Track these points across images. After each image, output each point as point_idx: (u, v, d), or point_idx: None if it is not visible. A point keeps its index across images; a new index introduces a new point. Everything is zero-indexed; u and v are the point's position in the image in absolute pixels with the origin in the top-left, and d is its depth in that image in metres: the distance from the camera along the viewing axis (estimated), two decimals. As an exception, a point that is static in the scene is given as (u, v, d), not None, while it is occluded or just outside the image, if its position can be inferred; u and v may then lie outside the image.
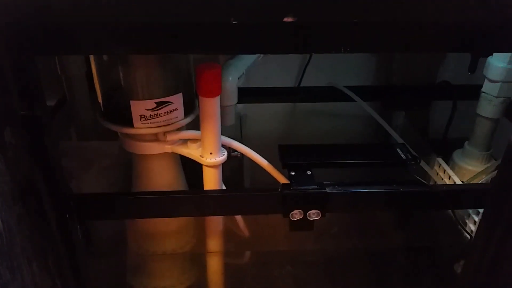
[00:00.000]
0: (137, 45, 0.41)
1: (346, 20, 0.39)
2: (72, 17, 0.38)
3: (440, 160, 0.79)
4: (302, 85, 0.92)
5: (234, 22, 0.37)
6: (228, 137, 0.66)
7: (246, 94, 0.79)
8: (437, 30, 0.42)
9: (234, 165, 0.77)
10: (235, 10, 0.37)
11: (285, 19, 0.38)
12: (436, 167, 0.79)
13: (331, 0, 0.37)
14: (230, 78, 0.71)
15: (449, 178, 0.75)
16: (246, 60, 0.75)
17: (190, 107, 0.62)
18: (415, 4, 0.39)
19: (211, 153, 0.61)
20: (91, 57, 0.59)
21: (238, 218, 0.73)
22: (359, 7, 0.38)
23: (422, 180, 0.61)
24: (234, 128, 0.79)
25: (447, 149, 0.82)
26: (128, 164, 0.68)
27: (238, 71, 0.73)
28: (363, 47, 0.44)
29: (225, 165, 0.63)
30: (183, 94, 0.59)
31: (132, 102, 0.56)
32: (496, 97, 0.72)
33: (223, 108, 0.68)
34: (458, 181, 0.74)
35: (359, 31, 0.41)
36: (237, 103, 0.75)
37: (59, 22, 0.39)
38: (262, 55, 0.73)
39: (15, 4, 0.37)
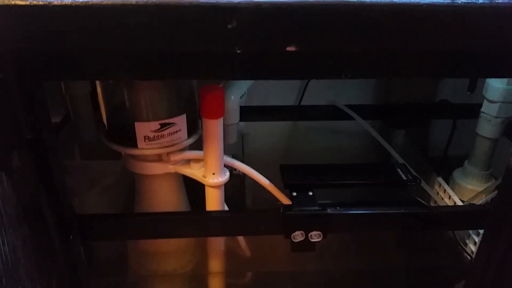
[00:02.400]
0: (143, 72, 0.42)
1: (346, 49, 0.40)
2: (79, 44, 0.39)
3: (440, 179, 0.79)
4: (302, 103, 0.93)
5: (238, 51, 0.38)
6: (230, 154, 0.67)
7: (248, 113, 0.81)
8: (434, 58, 0.43)
9: (236, 183, 0.78)
10: (240, 40, 0.38)
11: (288, 48, 0.38)
12: (436, 187, 0.80)
13: (332, 31, 0.38)
14: (232, 97, 0.72)
15: (449, 198, 0.76)
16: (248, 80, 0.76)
17: (194, 127, 0.63)
18: (413, 33, 0.40)
19: (213, 174, 0.61)
20: (97, 80, 0.60)
21: (240, 238, 0.73)
22: (359, 37, 0.39)
23: (422, 201, 0.61)
24: (236, 146, 0.79)
25: (447, 168, 0.83)
26: (131, 183, 0.68)
27: (240, 90, 0.74)
28: (363, 73, 0.45)
29: (227, 183, 0.63)
30: (186, 115, 0.60)
31: (136, 124, 0.57)
32: (495, 117, 0.73)
33: (225, 127, 0.69)
34: (458, 201, 0.75)
35: (359, 59, 0.42)
36: (239, 121, 0.76)
37: (66, 49, 0.40)
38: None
39: (23, 31, 0.38)
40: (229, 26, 0.37)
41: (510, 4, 0.38)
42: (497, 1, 0.38)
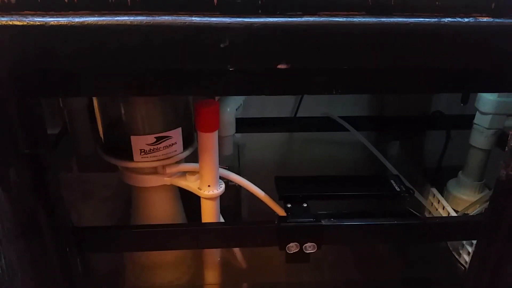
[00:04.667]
0: (138, 89, 0.43)
1: (336, 67, 0.41)
2: (75, 62, 0.40)
3: (434, 190, 0.80)
4: (298, 115, 0.94)
5: (231, 69, 0.39)
6: (226, 166, 0.67)
7: (244, 124, 0.81)
8: (424, 74, 0.44)
9: (231, 195, 0.78)
10: (232, 59, 0.39)
11: (279, 66, 0.39)
12: (430, 197, 0.81)
13: (322, 49, 0.39)
14: (228, 109, 0.73)
15: (444, 209, 0.76)
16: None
17: (189, 140, 0.64)
18: (402, 51, 0.41)
19: (209, 186, 0.62)
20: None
21: (235, 249, 0.73)
22: (348, 55, 0.40)
23: (416, 212, 0.62)
24: (232, 157, 0.80)
25: (441, 178, 0.83)
26: (128, 196, 0.69)
27: (236, 103, 0.75)
28: (354, 89, 0.46)
29: (222, 195, 0.64)
30: (182, 128, 0.61)
31: (132, 137, 0.58)
32: (488, 128, 0.74)
33: (221, 138, 0.70)
34: (452, 212, 0.75)
35: (350, 76, 0.43)
36: (235, 133, 0.77)
37: (62, 67, 0.41)
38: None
39: (21, 49, 0.39)
40: (222, 45, 0.38)
41: (494, 22, 0.39)
42: (482, 20, 0.39)
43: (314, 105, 0.92)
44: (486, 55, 0.41)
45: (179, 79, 0.42)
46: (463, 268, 0.73)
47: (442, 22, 0.39)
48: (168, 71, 0.41)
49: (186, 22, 0.37)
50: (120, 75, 0.42)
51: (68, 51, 0.39)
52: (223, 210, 0.67)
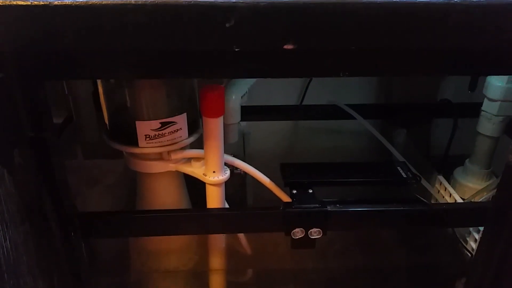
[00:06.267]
0: (142, 70, 0.43)
1: (344, 47, 0.40)
2: (80, 43, 0.40)
3: (441, 177, 0.79)
4: (304, 103, 0.93)
5: (236, 50, 0.39)
6: (232, 154, 0.67)
7: (249, 112, 0.81)
8: (432, 55, 0.44)
9: (237, 182, 0.78)
10: (237, 39, 0.38)
11: (285, 47, 0.39)
12: (437, 185, 0.80)
13: (329, 29, 0.39)
14: (234, 97, 0.73)
15: (450, 196, 0.76)
16: (249, 79, 0.76)
17: (194, 126, 0.64)
18: (410, 31, 0.40)
19: (214, 172, 0.62)
20: (98, 79, 0.61)
21: (241, 235, 0.73)
22: (356, 36, 0.39)
23: (423, 199, 0.61)
24: (237, 145, 0.80)
25: (448, 166, 0.83)
26: (133, 182, 0.69)
27: (241, 90, 0.74)
28: (361, 71, 0.45)
29: (228, 182, 0.64)
30: (187, 114, 0.61)
31: (137, 123, 0.58)
32: (496, 115, 0.73)
33: (226, 126, 0.69)
34: (459, 199, 0.75)
35: (356, 57, 0.42)
36: (241, 121, 0.76)
37: (67, 49, 0.40)
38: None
39: (24, 30, 0.39)
40: (227, 25, 0.37)
41: (506, 1, 0.38)
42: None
43: (320, 93, 0.91)
44: (497, 36, 0.40)
45: (184, 60, 0.41)
46: (469, 255, 0.72)
47: (452, 2, 0.38)
48: (173, 52, 0.41)
49: (191, 1, 0.37)
50: (124, 56, 0.41)
51: (72, 32, 0.39)
52: (228, 198, 0.67)
